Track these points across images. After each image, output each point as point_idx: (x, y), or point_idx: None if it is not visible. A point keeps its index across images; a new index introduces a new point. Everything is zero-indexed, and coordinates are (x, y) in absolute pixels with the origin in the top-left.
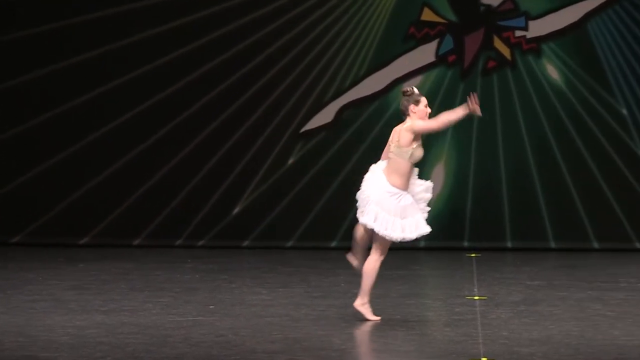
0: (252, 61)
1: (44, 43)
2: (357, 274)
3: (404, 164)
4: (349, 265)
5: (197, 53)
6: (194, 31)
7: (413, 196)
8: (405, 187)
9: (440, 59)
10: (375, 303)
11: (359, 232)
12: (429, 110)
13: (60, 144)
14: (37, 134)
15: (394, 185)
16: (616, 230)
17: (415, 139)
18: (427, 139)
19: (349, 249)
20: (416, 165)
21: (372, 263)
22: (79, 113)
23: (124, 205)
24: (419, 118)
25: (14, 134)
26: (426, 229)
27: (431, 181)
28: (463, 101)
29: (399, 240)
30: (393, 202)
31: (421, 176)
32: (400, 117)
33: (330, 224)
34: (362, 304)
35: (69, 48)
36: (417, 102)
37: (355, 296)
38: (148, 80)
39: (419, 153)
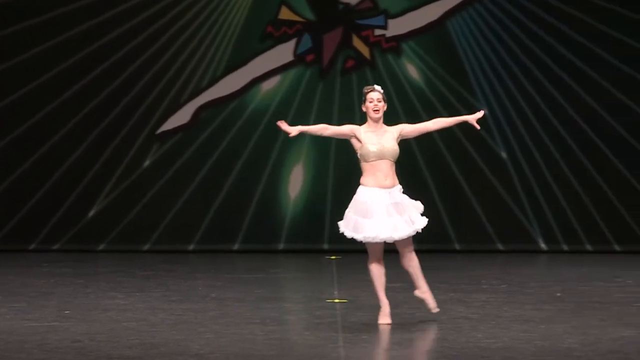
0: (106, 61)
1: None
2: (221, 278)
3: (363, 163)
4: (206, 268)
5: (49, 54)
6: (45, 32)
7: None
8: (374, 183)
9: (299, 58)
10: (233, 307)
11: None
12: (377, 103)
13: None
14: None
15: (361, 184)
16: (478, 231)
17: (361, 140)
18: (285, 140)
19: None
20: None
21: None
22: None
23: None
24: (368, 116)
25: None
26: (367, 233)
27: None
28: (322, 101)
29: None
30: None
31: (280, 177)
32: (255, 118)
33: (188, 226)
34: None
35: None
36: (364, 101)
37: (212, 300)
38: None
39: (365, 150)
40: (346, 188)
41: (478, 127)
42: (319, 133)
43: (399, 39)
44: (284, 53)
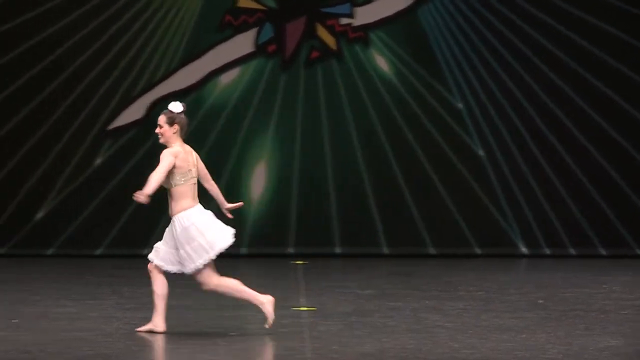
0: (53, 53)
1: None
2: (179, 285)
3: None
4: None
5: None
6: None
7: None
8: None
9: (260, 49)
10: (192, 316)
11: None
12: (158, 128)
13: None
14: None
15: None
16: (454, 234)
17: None
18: (249, 135)
19: None
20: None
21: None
22: None
23: None
24: None
25: None
26: None
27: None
28: (285, 94)
29: None
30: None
31: (241, 176)
32: (214, 113)
33: (143, 229)
34: None
35: None
36: None
37: (169, 308)
38: None
39: None
40: (314, 189)
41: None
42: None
43: (366, 28)
44: (243, 43)
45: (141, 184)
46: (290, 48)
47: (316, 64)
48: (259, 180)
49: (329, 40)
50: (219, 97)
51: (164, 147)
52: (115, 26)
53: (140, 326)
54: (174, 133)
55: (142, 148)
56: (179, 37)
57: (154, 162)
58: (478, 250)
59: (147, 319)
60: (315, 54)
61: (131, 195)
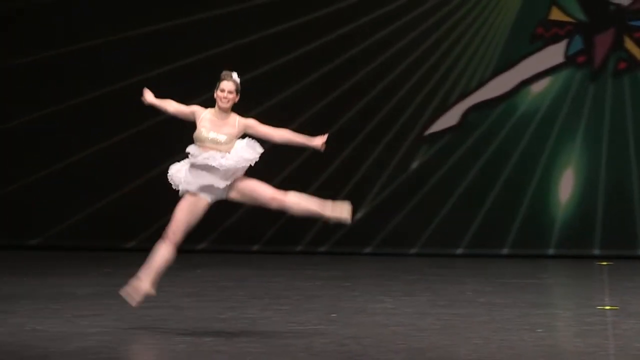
0: (375, 61)
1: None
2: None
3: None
4: (475, 272)
5: (318, 53)
6: (314, 30)
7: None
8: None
9: (569, 60)
10: (502, 312)
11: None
12: (228, 95)
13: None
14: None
15: None
16: None
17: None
18: (556, 144)
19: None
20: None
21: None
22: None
23: (242, 210)
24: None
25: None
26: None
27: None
28: (593, 103)
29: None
30: None
31: (550, 181)
32: (524, 121)
33: (456, 230)
34: None
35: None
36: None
37: (480, 305)
38: (268, 80)
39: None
40: (619, 194)
41: (320, 148)
42: (163, 108)
43: None
44: (554, 54)
45: (455, 187)
46: (599, 59)
47: (623, 75)
48: (566, 185)
49: (636, 52)
50: (529, 106)
51: (476, 151)
52: (434, 36)
53: (454, 321)
54: None
55: (456, 153)
56: (493, 48)
57: (467, 166)
58: None
59: (459, 315)
60: (622, 65)
61: (444, 198)
